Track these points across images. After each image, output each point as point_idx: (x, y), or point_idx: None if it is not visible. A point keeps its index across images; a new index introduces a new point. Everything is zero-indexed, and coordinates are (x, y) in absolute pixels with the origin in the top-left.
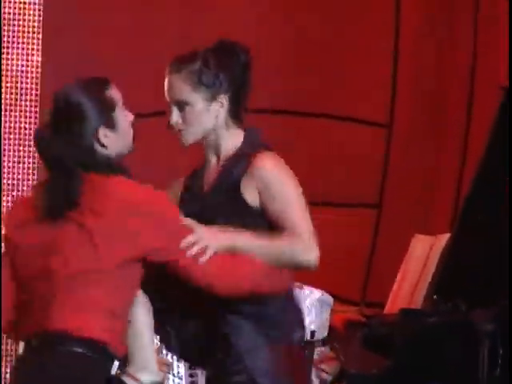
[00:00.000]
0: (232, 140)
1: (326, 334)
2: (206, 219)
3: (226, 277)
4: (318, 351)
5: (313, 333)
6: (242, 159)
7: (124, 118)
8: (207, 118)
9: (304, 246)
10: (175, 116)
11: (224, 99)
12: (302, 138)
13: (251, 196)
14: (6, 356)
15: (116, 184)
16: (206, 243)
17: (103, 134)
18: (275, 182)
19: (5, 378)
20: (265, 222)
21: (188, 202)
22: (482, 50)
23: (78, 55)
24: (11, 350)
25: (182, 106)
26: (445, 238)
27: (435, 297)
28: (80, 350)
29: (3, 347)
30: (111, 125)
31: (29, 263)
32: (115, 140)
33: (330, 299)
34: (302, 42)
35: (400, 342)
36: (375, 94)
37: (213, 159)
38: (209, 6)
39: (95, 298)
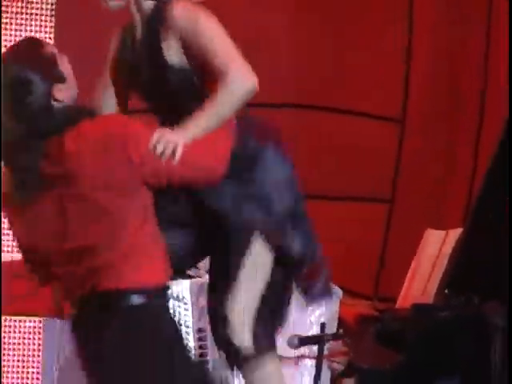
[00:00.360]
0: None
1: (335, 326)
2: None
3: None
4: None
5: (323, 325)
6: (159, 15)
7: (66, 66)
8: None
9: (238, 84)
10: None
11: None
12: (315, 132)
13: (174, 54)
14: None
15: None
16: (174, 140)
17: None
18: (201, 29)
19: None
20: (191, 80)
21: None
22: (495, 44)
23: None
24: None
25: None
26: (457, 232)
27: (447, 291)
28: (141, 301)
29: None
30: (62, 79)
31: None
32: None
33: (339, 291)
34: (316, 36)
35: (412, 336)
36: (388, 89)
37: (137, 17)
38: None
39: (135, 242)
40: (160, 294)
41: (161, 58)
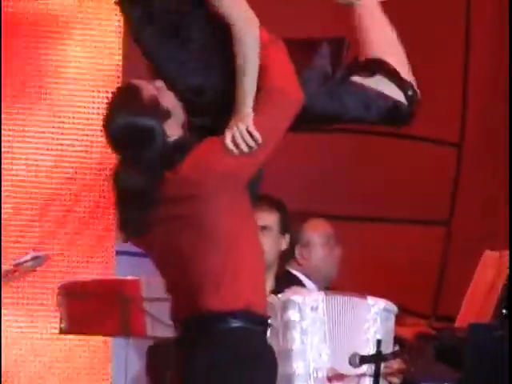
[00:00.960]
0: None
1: (391, 343)
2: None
3: None
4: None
5: (379, 342)
6: None
7: (171, 102)
8: None
9: (247, 35)
10: None
11: None
12: (377, 157)
13: None
14: None
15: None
16: (244, 126)
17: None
18: None
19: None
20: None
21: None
22: None
23: None
24: None
25: None
26: None
27: (505, 311)
28: (241, 324)
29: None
30: (168, 115)
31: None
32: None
33: (394, 308)
34: None
35: (469, 355)
36: (447, 115)
37: None
38: None
39: (237, 266)
40: (260, 321)
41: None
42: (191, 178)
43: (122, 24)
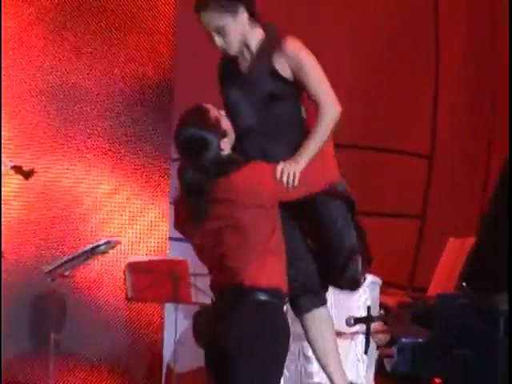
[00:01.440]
0: (256, 34)
1: (377, 308)
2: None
3: None
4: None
5: (369, 308)
6: (272, 43)
7: (228, 126)
8: (239, 28)
9: (329, 114)
10: (219, 40)
11: (242, 8)
12: (360, 167)
13: (284, 70)
14: None
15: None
16: (293, 170)
17: (223, 142)
18: (305, 60)
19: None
20: (293, 89)
21: (231, 85)
22: None
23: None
24: None
25: (220, 30)
26: (471, 240)
27: (464, 284)
28: (264, 298)
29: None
30: (225, 134)
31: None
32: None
33: (379, 281)
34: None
35: (439, 318)
36: (417, 129)
37: (245, 51)
38: None
39: (267, 245)
40: (279, 296)
41: (274, 70)
42: (240, 188)
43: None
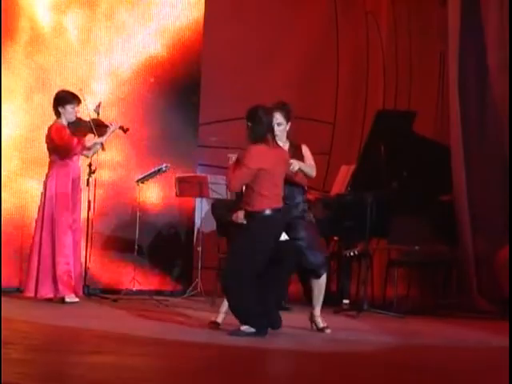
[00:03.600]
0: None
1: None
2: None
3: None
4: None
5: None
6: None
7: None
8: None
9: (313, 173)
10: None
11: None
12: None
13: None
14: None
15: None
16: (295, 164)
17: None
18: (307, 152)
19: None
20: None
21: None
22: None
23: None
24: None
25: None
26: (353, 167)
27: (349, 188)
28: (270, 213)
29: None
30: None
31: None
32: None
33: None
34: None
35: (335, 206)
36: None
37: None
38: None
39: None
40: (280, 211)
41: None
42: (277, 152)
43: None
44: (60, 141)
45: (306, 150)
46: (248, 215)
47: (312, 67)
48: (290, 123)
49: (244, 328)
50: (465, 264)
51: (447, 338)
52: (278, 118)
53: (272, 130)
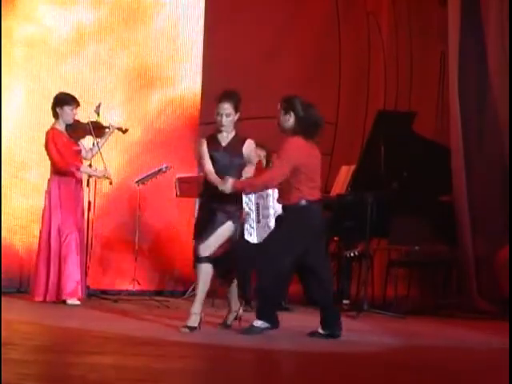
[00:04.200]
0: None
1: None
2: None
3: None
4: None
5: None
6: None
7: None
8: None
9: (250, 173)
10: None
11: None
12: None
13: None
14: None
15: None
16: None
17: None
18: (250, 148)
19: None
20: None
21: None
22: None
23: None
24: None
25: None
26: (354, 167)
27: (350, 189)
28: (305, 204)
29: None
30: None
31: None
32: None
33: None
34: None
35: (337, 206)
36: (328, 104)
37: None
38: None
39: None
40: (317, 203)
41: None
42: (311, 146)
43: None
44: (56, 154)
45: (249, 145)
46: (284, 209)
47: (313, 68)
48: (238, 113)
49: (259, 324)
50: (465, 265)
51: (447, 339)
52: (227, 108)
53: (314, 125)
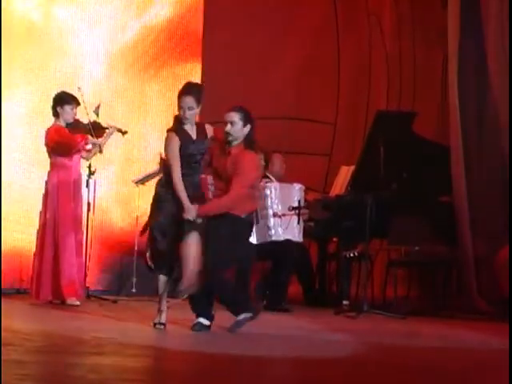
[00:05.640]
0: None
1: (303, 201)
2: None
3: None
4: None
5: (299, 201)
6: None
7: None
8: None
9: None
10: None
11: None
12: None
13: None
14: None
15: None
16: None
17: None
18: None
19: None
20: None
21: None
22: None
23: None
24: None
25: None
26: (353, 167)
27: (349, 189)
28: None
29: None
30: None
31: None
32: None
33: (304, 187)
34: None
35: (335, 206)
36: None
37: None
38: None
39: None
40: (249, 215)
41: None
42: None
43: None
44: (61, 138)
45: (210, 130)
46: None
47: (313, 68)
48: (200, 106)
49: (240, 318)
50: (465, 265)
51: (447, 339)
52: (189, 101)
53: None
